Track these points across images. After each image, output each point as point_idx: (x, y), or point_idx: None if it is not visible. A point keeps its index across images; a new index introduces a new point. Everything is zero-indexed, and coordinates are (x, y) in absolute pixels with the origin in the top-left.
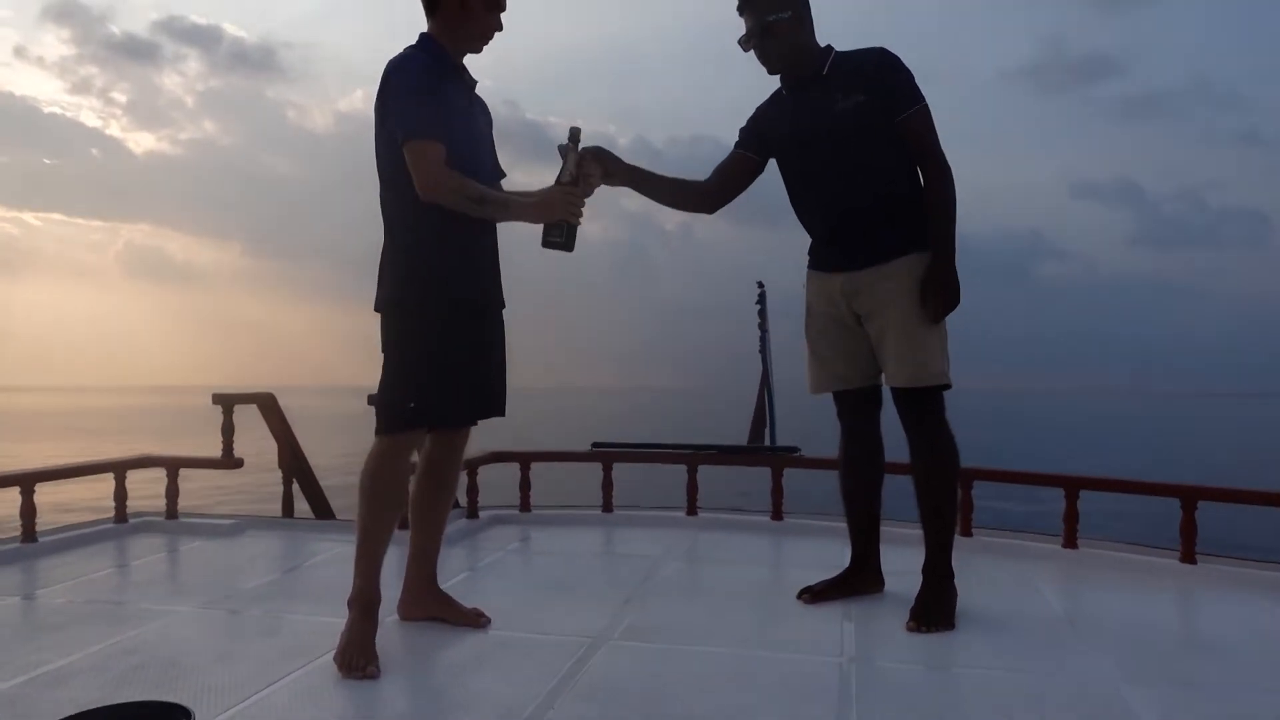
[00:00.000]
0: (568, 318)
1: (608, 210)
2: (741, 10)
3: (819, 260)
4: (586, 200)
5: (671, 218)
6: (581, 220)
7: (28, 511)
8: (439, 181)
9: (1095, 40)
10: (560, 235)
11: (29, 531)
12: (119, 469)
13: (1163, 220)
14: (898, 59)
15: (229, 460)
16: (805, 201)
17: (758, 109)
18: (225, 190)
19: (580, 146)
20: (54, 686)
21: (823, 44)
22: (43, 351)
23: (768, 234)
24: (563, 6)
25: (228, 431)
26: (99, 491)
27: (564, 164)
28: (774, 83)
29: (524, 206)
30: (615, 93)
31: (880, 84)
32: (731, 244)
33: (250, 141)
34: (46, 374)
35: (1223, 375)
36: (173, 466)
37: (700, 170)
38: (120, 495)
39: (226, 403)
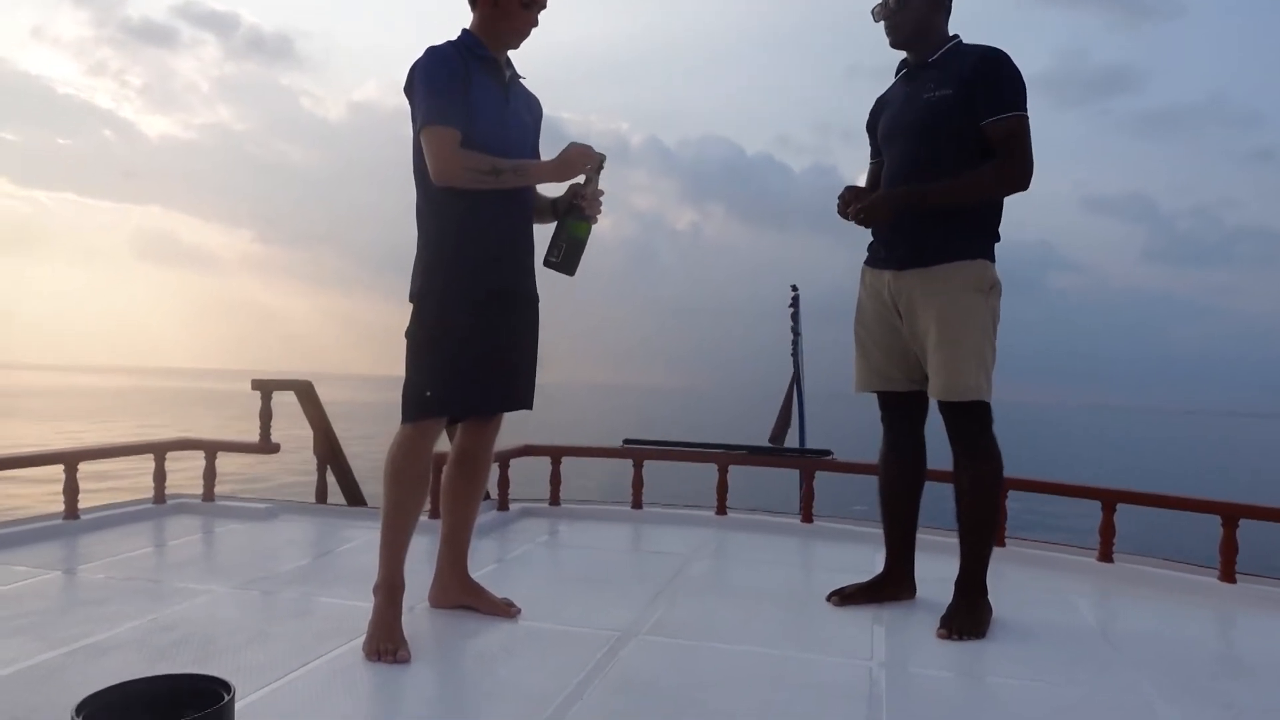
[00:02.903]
0: (575, 313)
1: (617, 207)
2: None
3: (872, 255)
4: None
5: (681, 217)
6: (596, 219)
7: (70, 489)
8: (448, 164)
9: (1113, 54)
10: (557, 255)
11: (71, 509)
12: (159, 450)
13: (1177, 237)
14: (1002, 62)
15: (266, 445)
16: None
17: (875, 102)
18: (237, 176)
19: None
20: (97, 658)
21: (952, 34)
22: (52, 330)
23: (778, 236)
24: (576, 3)
25: (265, 417)
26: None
27: (584, 180)
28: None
29: (542, 167)
30: (629, 91)
31: (972, 82)
32: (741, 246)
33: (264, 128)
34: (56, 352)
35: (1238, 395)
36: (211, 450)
37: (714, 171)
38: (159, 476)
39: (265, 388)
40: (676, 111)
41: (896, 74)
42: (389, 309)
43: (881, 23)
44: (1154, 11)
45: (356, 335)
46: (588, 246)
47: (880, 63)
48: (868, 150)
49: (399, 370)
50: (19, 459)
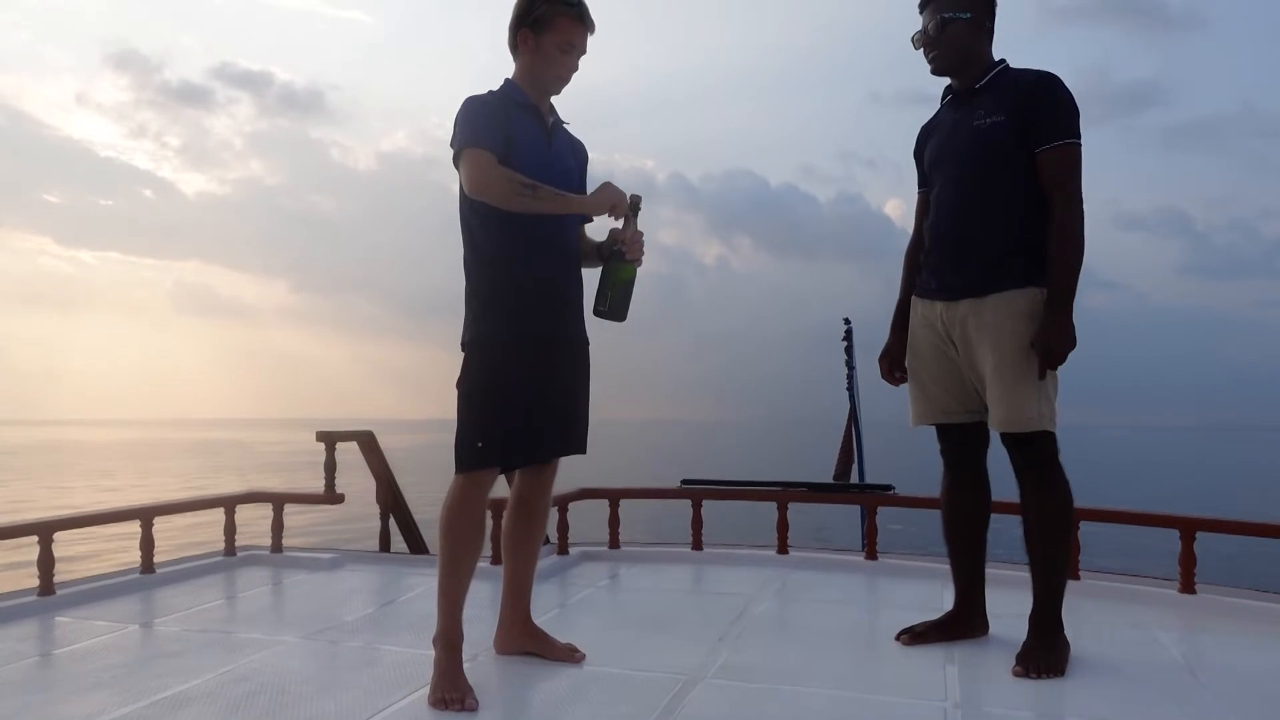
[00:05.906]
0: (611, 351)
1: (646, 244)
2: (922, 7)
3: (923, 286)
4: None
5: (708, 251)
6: (640, 261)
7: (146, 544)
8: (483, 178)
9: (1138, 69)
10: (605, 303)
11: (147, 563)
12: (228, 504)
13: (1214, 250)
14: (1057, 87)
15: (331, 495)
16: (929, 222)
17: (921, 129)
18: (271, 229)
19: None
20: (174, 710)
21: (998, 58)
22: (99, 386)
23: (807, 266)
24: (598, 40)
25: (330, 468)
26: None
27: (623, 224)
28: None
29: (577, 199)
30: (651, 127)
31: (1026, 108)
32: (770, 277)
33: (296, 180)
34: (103, 408)
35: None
36: (278, 502)
37: (739, 203)
38: (229, 529)
39: (329, 440)
40: (699, 146)
41: (943, 100)
42: (417, 352)
43: (920, 50)
44: (1174, 25)
45: (387, 379)
46: (635, 289)
47: (899, 89)
48: (893, 178)
49: (428, 414)
50: (99, 516)
